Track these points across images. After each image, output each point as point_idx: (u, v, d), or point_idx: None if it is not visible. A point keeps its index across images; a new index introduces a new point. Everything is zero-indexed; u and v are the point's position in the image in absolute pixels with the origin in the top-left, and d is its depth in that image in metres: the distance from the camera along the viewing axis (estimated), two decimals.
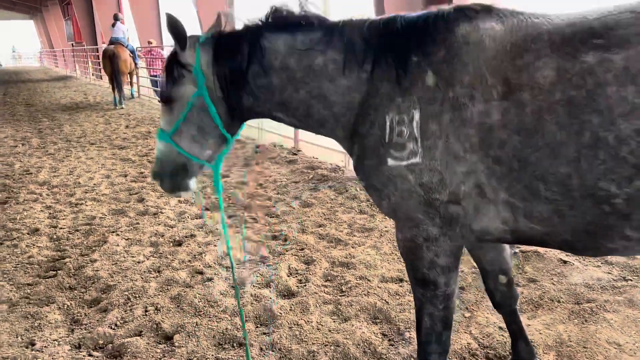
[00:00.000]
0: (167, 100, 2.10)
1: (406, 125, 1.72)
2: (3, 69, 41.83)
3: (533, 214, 1.59)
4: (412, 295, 2.01)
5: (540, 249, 3.74)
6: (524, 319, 2.94)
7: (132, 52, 14.18)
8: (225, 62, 1.98)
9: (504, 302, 2.34)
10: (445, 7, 1.80)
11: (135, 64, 14.51)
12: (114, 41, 13.70)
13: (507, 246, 2.25)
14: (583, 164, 1.44)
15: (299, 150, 7.65)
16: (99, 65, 21.44)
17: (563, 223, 1.56)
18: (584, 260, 3.65)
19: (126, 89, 14.73)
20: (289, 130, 9.27)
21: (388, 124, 1.76)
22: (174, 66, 2.04)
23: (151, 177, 2.27)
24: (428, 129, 1.68)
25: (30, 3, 43.10)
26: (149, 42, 16.27)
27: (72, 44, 30.64)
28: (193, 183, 2.23)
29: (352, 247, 4.01)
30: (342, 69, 1.88)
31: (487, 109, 1.58)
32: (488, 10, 1.72)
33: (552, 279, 3.40)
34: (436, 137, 1.67)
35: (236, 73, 1.97)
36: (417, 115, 1.70)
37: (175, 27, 1.98)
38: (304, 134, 8.89)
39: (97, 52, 22.30)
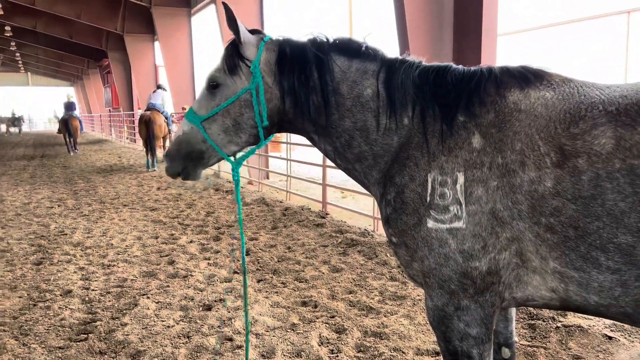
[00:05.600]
0: (214, 85, 2.11)
1: (449, 188, 1.70)
2: (42, 133, 44.01)
3: (590, 285, 1.54)
4: None
5: (584, 324, 3.57)
6: None
7: (167, 117, 14.81)
8: (290, 69, 2.00)
9: None
10: (496, 67, 1.82)
11: (169, 129, 15.12)
12: (150, 107, 14.37)
13: (514, 318, 2.15)
14: None
15: (327, 214, 7.67)
16: (134, 130, 22.41)
17: (626, 295, 1.49)
18: (630, 336, 3.46)
19: (159, 153, 15.25)
20: (317, 193, 9.35)
21: (430, 183, 1.74)
22: (233, 55, 2.07)
23: (163, 155, 2.24)
24: (473, 193, 1.66)
25: (73, 72, 45.92)
26: (183, 108, 17.01)
27: (110, 109, 32.23)
28: (202, 174, 2.22)
29: (385, 316, 3.90)
30: (386, 108, 1.90)
31: (540, 177, 1.57)
32: (539, 77, 1.74)
33: (597, 355, 3.22)
34: (482, 202, 1.65)
35: (298, 84, 1.99)
36: (461, 179, 1.68)
37: (233, 19, 2.01)
38: (331, 197, 8.95)
39: (133, 117, 23.34)
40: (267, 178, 12.52)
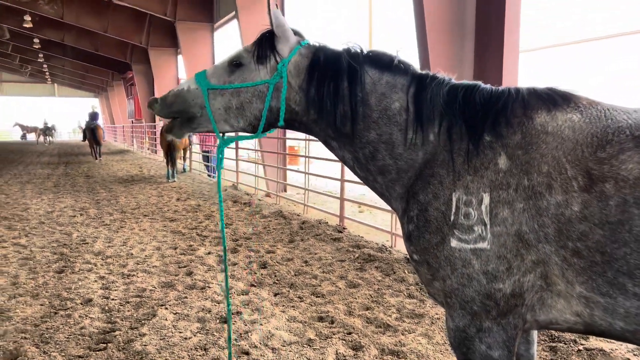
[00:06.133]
0: (237, 64, 2.09)
1: (474, 208, 1.68)
2: (66, 142, 45.09)
3: (616, 310, 1.51)
4: None
5: (606, 347, 3.48)
6: None
7: None
8: (322, 76, 2.00)
9: None
10: (523, 88, 1.80)
11: (190, 141, 15.34)
12: None
13: (535, 341, 2.11)
14: None
15: (344, 228, 7.66)
16: (155, 141, 22.78)
17: None
18: None
19: (179, 163, 15.46)
20: (334, 206, 9.35)
21: (454, 202, 1.72)
22: (267, 44, 2.06)
23: (160, 98, 2.20)
24: (499, 214, 1.65)
25: (98, 83, 47.00)
26: None
27: (132, 121, 32.84)
28: (185, 135, 2.22)
29: (402, 334, 3.87)
30: (413, 122, 1.88)
31: (567, 200, 1.55)
32: (566, 99, 1.73)
33: None
34: (508, 224, 1.63)
35: (327, 91, 1.98)
36: (486, 199, 1.67)
37: (276, 13, 2.02)
38: (348, 211, 8.94)
39: (155, 128, 23.75)
40: (285, 191, 12.58)
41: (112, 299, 4.75)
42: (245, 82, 2.06)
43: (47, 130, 42.78)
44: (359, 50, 2.03)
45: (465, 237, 1.70)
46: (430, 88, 1.90)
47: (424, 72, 1.99)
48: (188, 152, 16.48)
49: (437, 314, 4.23)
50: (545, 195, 1.59)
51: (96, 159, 21.97)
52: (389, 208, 7.37)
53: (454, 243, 1.72)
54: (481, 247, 1.67)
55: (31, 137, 57.58)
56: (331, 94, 1.98)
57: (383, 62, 2.00)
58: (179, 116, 2.17)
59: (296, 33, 2.12)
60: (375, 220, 8.62)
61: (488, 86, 1.88)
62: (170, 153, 13.93)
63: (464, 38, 6.69)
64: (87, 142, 23.30)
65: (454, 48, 6.70)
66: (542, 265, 1.61)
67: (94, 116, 22.65)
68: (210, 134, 16.31)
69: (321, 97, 2.00)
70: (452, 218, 1.73)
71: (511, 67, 6.50)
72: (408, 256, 1.97)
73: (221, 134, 2.20)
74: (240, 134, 2.24)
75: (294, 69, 2.04)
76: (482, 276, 1.68)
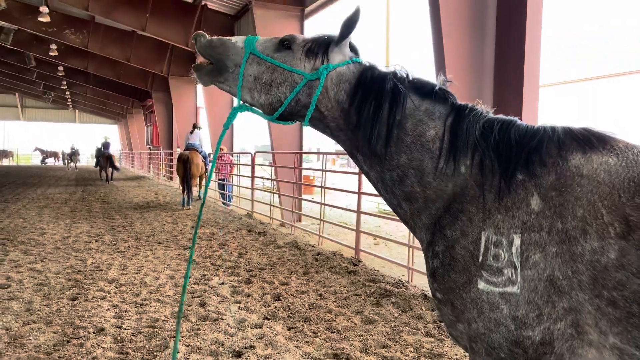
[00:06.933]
0: (286, 45, 2.09)
1: (504, 249, 1.62)
2: (84, 168, 45.82)
3: None
4: None
5: None
6: None
7: (204, 157, 15.19)
8: (366, 93, 1.99)
9: None
10: (559, 126, 1.76)
11: (206, 169, 15.48)
12: (189, 147, 14.78)
13: None
14: None
15: (360, 261, 7.55)
16: (171, 168, 23.04)
17: None
18: None
19: (194, 191, 15.55)
20: (348, 237, 9.27)
21: (483, 242, 1.66)
22: (321, 45, 2.07)
23: (211, 37, 2.20)
24: (530, 258, 1.58)
25: (118, 110, 48.01)
26: (221, 149, 17.45)
27: (150, 148, 33.33)
28: (208, 83, 2.21)
29: None
30: (447, 152, 1.85)
31: (603, 247, 1.49)
32: (602, 141, 1.68)
33: None
34: (539, 268, 1.57)
35: (367, 109, 1.97)
36: (517, 241, 1.61)
37: (351, 21, 2.02)
38: (363, 243, 8.84)
39: (171, 155, 24.04)
40: (300, 221, 12.53)
41: (125, 329, 4.69)
42: (284, 64, 2.08)
43: (72, 156, 43.49)
44: (404, 75, 2.03)
45: (493, 279, 1.63)
46: (468, 119, 1.87)
47: (463, 103, 1.97)
48: (204, 179, 16.60)
49: (456, 354, 4.09)
50: (579, 240, 1.53)
51: (107, 181, 24.34)
52: (405, 241, 7.27)
53: (481, 285, 1.65)
54: (510, 292, 1.61)
55: (50, 161, 58.68)
56: (371, 112, 1.97)
57: (425, 90, 1.99)
58: (213, 62, 2.18)
59: (353, 49, 2.13)
60: (391, 254, 8.50)
61: (524, 123, 1.85)
62: (186, 180, 14.03)
63: (483, 74, 6.71)
64: (99, 168, 25.84)
65: (473, 85, 6.72)
66: (574, 313, 1.54)
67: (106, 145, 25.36)
68: (226, 161, 16.33)
69: (360, 112, 1.99)
70: (480, 258, 1.67)
71: (531, 102, 6.48)
72: (430, 293, 1.90)
73: (241, 101, 2.21)
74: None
75: (336, 78, 2.04)
76: (511, 322, 1.61)
